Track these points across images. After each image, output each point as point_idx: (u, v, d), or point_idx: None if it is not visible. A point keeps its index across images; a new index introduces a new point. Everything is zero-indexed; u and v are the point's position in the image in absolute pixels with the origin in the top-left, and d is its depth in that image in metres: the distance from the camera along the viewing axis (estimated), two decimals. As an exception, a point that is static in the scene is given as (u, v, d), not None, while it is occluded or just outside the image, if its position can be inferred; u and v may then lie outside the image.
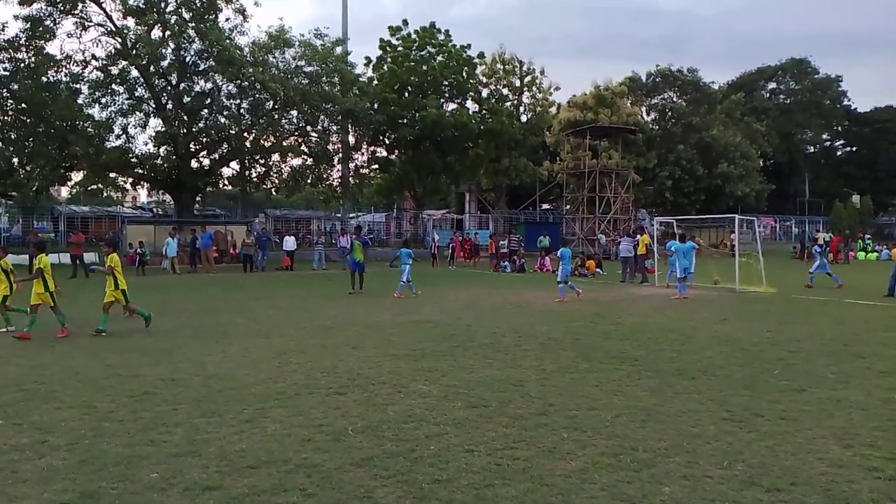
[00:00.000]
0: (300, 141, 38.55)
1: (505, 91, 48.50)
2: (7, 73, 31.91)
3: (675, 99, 55.36)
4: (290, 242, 30.81)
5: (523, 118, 49.41)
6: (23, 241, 31.24)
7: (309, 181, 40.00)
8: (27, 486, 4.43)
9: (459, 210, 55.16)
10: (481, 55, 45.70)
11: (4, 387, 7.19)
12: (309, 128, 37.97)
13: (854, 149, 73.95)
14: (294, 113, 36.81)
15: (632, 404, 6.50)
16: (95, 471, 4.70)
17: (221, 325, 11.96)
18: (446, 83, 42.65)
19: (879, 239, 48.98)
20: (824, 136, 74.66)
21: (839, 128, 73.38)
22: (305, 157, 38.95)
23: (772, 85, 70.73)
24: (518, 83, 48.88)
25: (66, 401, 6.60)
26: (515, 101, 49.01)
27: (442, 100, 43.05)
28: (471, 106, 45.35)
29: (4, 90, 32.36)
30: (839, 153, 76.78)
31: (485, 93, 47.13)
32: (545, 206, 57.89)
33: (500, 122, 42.91)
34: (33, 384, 7.33)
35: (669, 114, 54.65)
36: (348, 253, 21.16)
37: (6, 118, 33.46)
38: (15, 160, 33.64)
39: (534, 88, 49.03)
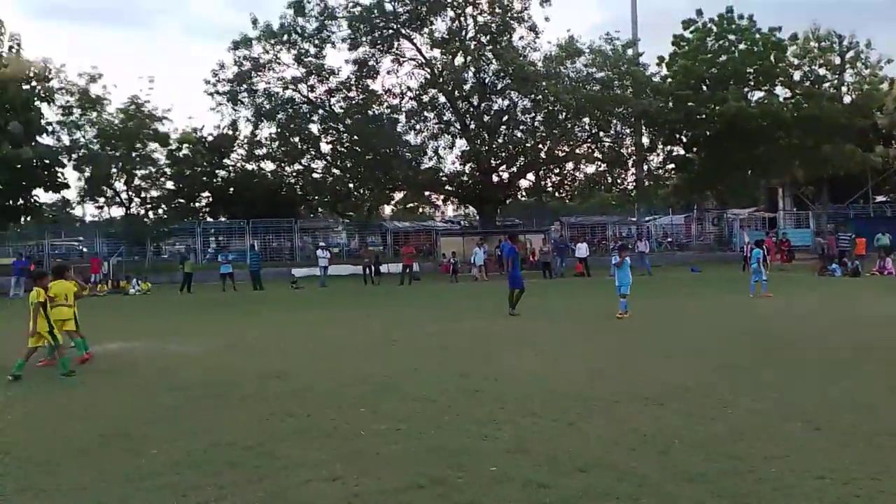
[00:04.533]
0: (593, 148, 38.72)
1: (822, 71, 42.74)
2: (342, 111, 37.63)
3: None
4: (582, 249, 31.07)
5: (846, 99, 43.01)
6: (357, 253, 36.48)
7: (602, 187, 39.93)
8: (389, 467, 5.10)
9: (770, 207, 50.07)
10: (794, 37, 40.89)
11: (361, 380, 8.39)
12: (601, 133, 37.94)
13: None
14: (586, 120, 37.07)
15: None
16: (442, 459, 5.22)
17: (528, 328, 12.48)
18: (750, 71, 39.09)
19: None
20: None
21: None
22: (599, 162, 38.98)
23: None
24: (838, 61, 42.71)
25: (411, 394, 7.47)
26: (836, 81, 42.89)
27: (746, 89, 39.57)
28: (780, 92, 40.89)
29: (340, 125, 38.20)
30: None
31: (797, 76, 42.07)
32: (880, 199, 49.61)
33: (818, 107, 37.92)
34: (383, 378, 8.43)
35: None
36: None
37: (342, 149, 39.46)
38: (351, 185, 39.51)
39: (858, 64, 42.37)
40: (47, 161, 33.69)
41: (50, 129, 34.30)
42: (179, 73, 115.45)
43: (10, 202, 34.70)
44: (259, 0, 68.56)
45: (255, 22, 35.37)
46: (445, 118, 37.38)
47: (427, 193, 40.41)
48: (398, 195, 43.29)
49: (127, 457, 5.52)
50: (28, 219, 36.89)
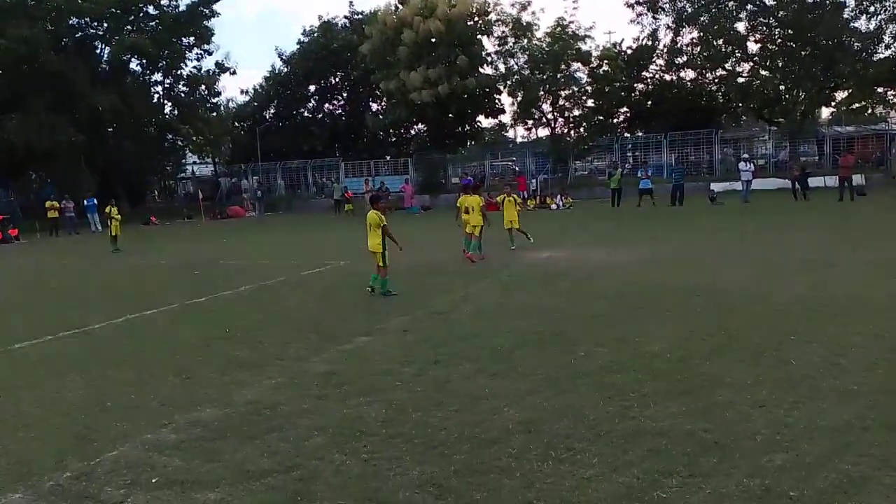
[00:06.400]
0: None
1: None
2: (775, 2, 33.33)
3: None
4: None
5: None
6: (787, 165, 32.65)
7: None
8: (826, 402, 4.66)
9: None
10: None
11: (790, 303, 7.74)
12: None
13: None
14: None
15: None
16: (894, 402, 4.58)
17: None
18: None
19: None
20: None
21: None
22: None
23: None
24: None
25: (850, 326, 6.60)
26: None
27: None
28: None
29: (772, 19, 34.01)
30: None
31: None
32: None
33: None
34: (815, 303, 7.64)
35: None
36: None
37: (773, 47, 35.20)
38: (782, 87, 35.29)
39: None
40: (487, 89, 38.17)
41: (489, 59, 38.45)
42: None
43: (459, 129, 40.70)
44: None
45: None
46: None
47: (880, 90, 33.60)
48: (841, 95, 37.05)
49: (562, 354, 6.21)
50: (472, 143, 42.58)
